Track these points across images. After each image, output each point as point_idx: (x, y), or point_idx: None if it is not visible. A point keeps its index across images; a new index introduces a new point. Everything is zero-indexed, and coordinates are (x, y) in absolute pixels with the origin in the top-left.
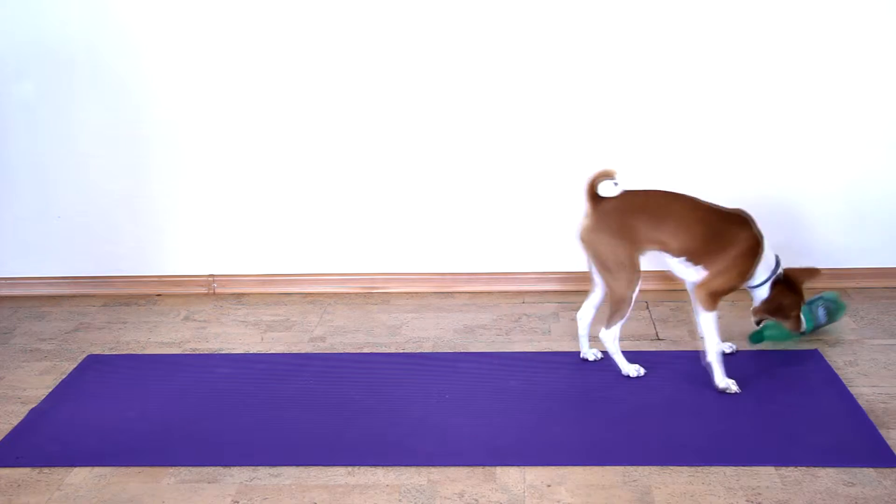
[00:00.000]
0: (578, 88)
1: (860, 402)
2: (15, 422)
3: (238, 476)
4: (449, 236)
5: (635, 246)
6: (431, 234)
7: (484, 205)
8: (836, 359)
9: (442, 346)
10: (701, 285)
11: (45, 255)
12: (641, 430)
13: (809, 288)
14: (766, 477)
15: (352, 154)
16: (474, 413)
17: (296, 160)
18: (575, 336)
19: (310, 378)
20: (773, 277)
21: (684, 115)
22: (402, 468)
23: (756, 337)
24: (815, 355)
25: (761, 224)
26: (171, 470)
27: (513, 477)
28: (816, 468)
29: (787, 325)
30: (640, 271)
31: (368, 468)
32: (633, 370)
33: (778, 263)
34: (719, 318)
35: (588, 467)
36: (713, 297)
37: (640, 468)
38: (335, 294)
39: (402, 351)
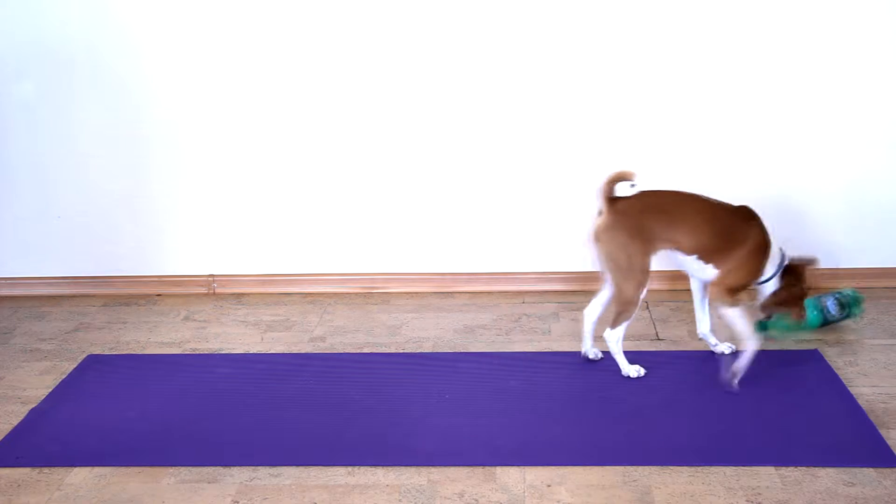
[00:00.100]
0: (578, 89)
1: (860, 402)
2: (15, 422)
3: (238, 476)
4: (449, 236)
5: (649, 246)
6: (431, 234)
7: (484, 205)
8: (836, 359)
9: (442, 346)
10: (715, 283)
11: (45, 255)
12: (641, 430)
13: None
14: (766, 477)
15: (352, 154)
16: (474, 413)
17: (295, 160)
18: (575, 336)
19: (310, 378)
20: (781, 270)
21: (684, 114)
22: (402, 468)
23: (761, 326)
24: (815, 355)
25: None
26: (171, 470)
27: (513, 477)
28: (816, 468)
29: (792, 315)
30: (649, 273)
31: (368, 468)
32: (633, 371)
33: (783, 257)
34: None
35: (588, 467)
36: (730, 293)
37: (640, 468)
38: (335, 294)
39: (402, 351)
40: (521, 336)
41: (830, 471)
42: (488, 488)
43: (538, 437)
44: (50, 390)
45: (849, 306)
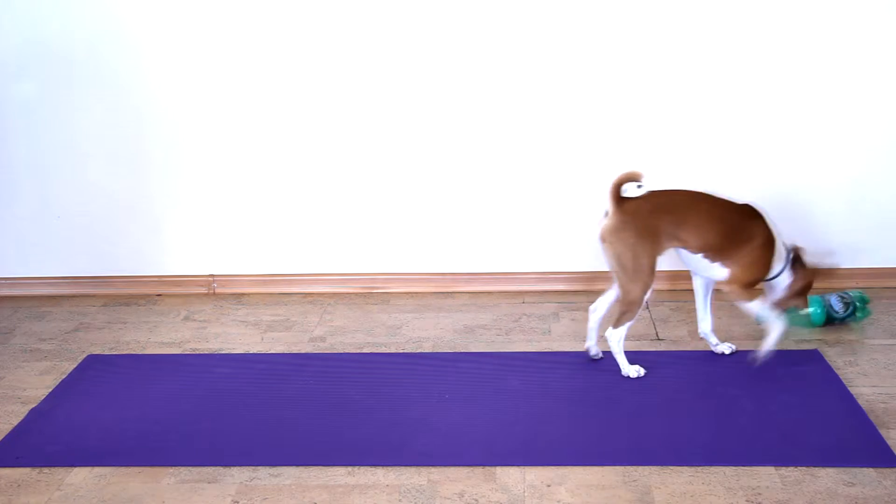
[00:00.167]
0: (578, 89)
1: (860, 402)
2: (15, 422)
3: (238, 476)
4: (449, 236)
5: (657, 247)
6: (431, 234)
7: (484, 205)
8: (836, 359)
9: (442, 346)
10: (730, 283)
11: (45, 255)
12: (641, 430)
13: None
14: (766, 477)
15: (352, 154)
16: (474, 413)
17: (295, 160)
18: (575, 336)
19: (310, 378)
20: (789, 263)
21: (684, 114)
22: (402, 468)
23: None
24: (815, 355)
25: None
26: (171, 470)
27: (513, 477)
28: (816, 468)
29: (799, 303)
30: (655, 274)
31: (368, 468)
32: (633, 371)
33: (789, 250)
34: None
35: (588, 467)
36: (746, 290)
37: (640, 468)
38: (335, 294)
39: (402, 351)
40: (521, 336)
41: (830, 471)
42: (488, 488)
43: (538, 437)
44: (50, 390)
45: (853, 304)
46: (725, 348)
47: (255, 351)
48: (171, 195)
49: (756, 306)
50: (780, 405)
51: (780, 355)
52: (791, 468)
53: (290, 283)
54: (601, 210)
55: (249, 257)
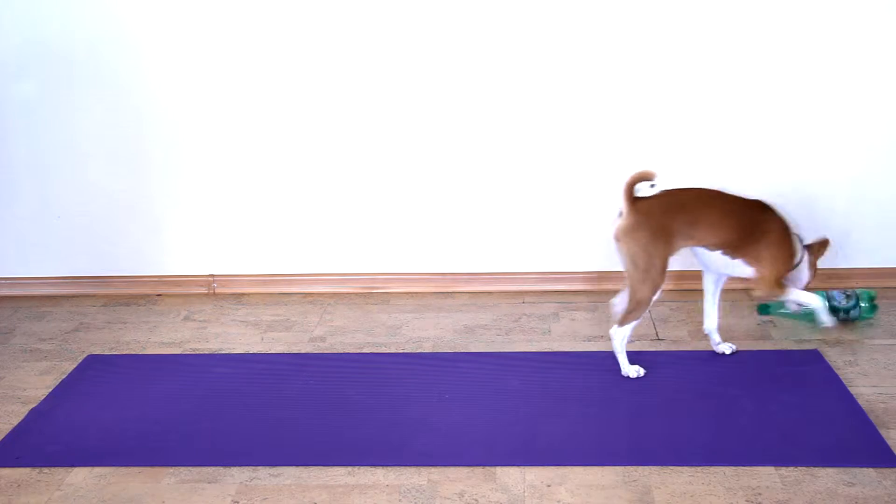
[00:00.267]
0: (578, 89)
1: (860, 402)
2: (15, 422)
3: (238, 476)
4: (449, 236)
5: (670, 247)
6: (431, 234)
7: (484, 205)
8: (836, 359)
9: (442, 346)
10: (759, 281)
11: (45, 255)
12: (641, 430)
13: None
14: (766, 477)
15: (352, 154)
16: (474, 413)
17: (295, 160)
18: (575, 336)
19: (310, 378)
20: (803, 251)
21: (683, 114)
22: (402, 468)
23: (763, 309)
24: (815, 355)
25: None
26: (171, 470)
27: (513, 477)
28: (816, 468)
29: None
30: (666, 274)
31: (368, 468)
32: (633, 371)
33: (799, 238)
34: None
35: (588, 467)
36: (778, 284)
37: (640, 468)
38: (335, 294)
39: (402, 351)
40: (521, 336)
41: (830, 471)
42: (488, 488)
43: (538, 437)
44: (50, 390)
45: (856, 296)
46: (726, 348)
47: (255, 351)
48: (171, 195)
49: (793, 294)
50: (780, 405)
51: (780, 355)
52: (791, 468)
53: (290, 283)
54: (606, 210)
55: (249, 257)
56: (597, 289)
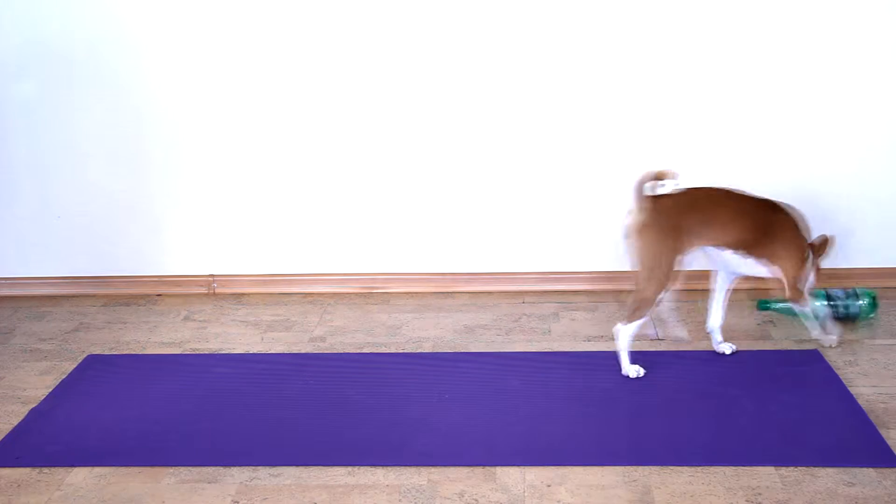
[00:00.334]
0: (578, 89)
1: (860, 402)
2: (15, 422)
3: (238, 476)
4: (449, 236)
5: (680, 247)
6: (431, 234)
7: (484, 205)
8: (836, 359)
9: (442, 346)
10: (786, 285)
11: (45, 255)
12: (641, 430)
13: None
14: (766, 477)
15: (352, 154)
16: (474, 413)
17: (295, 160)
18: (575, 336)
19: (310, 378)
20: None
21: (683, 115)
22: (402, 468)
23: (763, 305)
24: (815, 355)
25: None
26: (171, 470)
27: (513, 477)
28: (816, 468)
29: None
30: (673, 274)
31: (368, 468)
32: (632, 371)
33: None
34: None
35: (588, 467)
36: (796, 289)
37: (640, 468)
38: (335, 294)
39: (402, 351)
40: (521, 336)
41: (830, 471)
42: (488, 488)
43: (538, 437)
44: (50, 390)
45: (855, 292)
46: (727, 348)
47: (255, 351)
48: (171, 195)
49: (808, 307)
50: (780, 405)
51: (780, 355)
52: (791, 468)
53: (290, 283)
54: (606, 210)
55: (249, 257)
56: (597, 289)
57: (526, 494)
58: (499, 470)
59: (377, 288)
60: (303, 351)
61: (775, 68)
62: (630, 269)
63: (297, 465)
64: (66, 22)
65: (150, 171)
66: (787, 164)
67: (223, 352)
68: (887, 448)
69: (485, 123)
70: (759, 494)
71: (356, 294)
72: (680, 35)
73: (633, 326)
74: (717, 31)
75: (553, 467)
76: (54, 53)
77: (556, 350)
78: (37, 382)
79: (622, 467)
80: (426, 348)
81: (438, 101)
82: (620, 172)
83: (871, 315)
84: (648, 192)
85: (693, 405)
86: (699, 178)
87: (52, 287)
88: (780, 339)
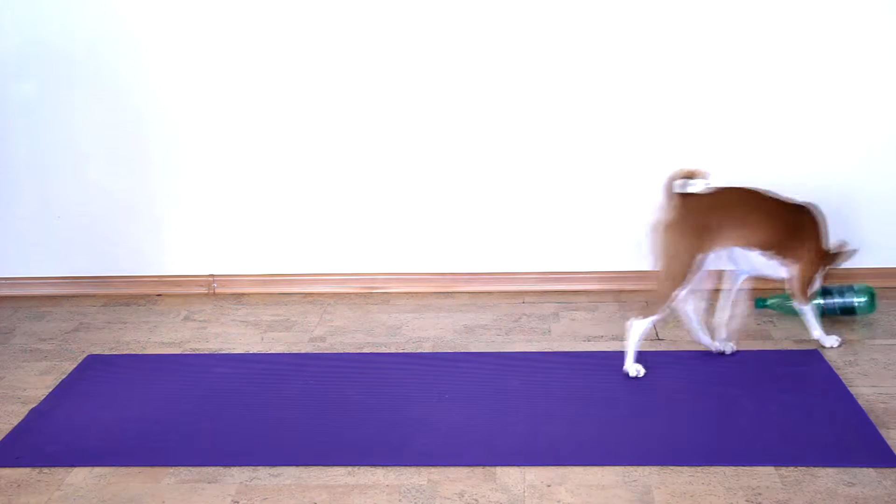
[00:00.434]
0: (578, 89)
1: (860, 402)
2: (15, 422)
3: (238, 476)
4: (449, 236)
5: (704, 246)
6: (431, 234)
7: (484, 205)
8: (836, 359)
9: (442, 346)
10: (795, 280)
11: (45, 255)
12: (641, 430)
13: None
14: (766, 477)
15: (351, 154)
16: (474, 413)
17: (295, 160)
18: (575, 336)
19: (310, 378)
20: None
21: (683, 115)
22: (402, 468)
23: (760, 303)
24: (815, 355)
25: None
26: (171, 470)
27: (513, 477)
28: (816, 468)
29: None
30: (692, 274)
31: (368, 468)
32: (633, 369)
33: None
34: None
35: (588, 467)
36: (805, 291)
37: (640, 468)
38: (335, 294)
39: (402, 351)
40: (521, 336)
41: (830, 471)
42: (488, 488)
43: (538, 437)
44: (50, 390)
45: (852, 290)
46: (727, 347)
47: (255, 351)
48: (171, 195)
49: (811, 307)
50: (780, 405)
51: (780, 355)
52: (791, 468)
53: (290, 283)
54: (606, 210)
55: (249, 257)
56: (597, 289)
57: (526, 494)
58: (499, 470)
59: (377, 288)
60: (303, 351)
61: (775, 68)
62: (629, 269)
63: (297, 465)
64: (66, 22)
65: (150, 171)
66: (787, 165)
67: (223, 352)
68: (887, 448)
69: (485, 123)
70: (759, 494)
71: (356, 294)
72: (680, 35)
73: (647, 323)
74: (718, 31)
75: (553, 467)
76: (54, 53)
77: (556, 350)
78: (37, 382)
79: (622, 467)
80: (426, 348)
81: (438, 102)
82: (620, 172)
83: (871, 311)
84: (678, 190)
85: (693, 405)
86: (698, 178)
87: (52, 287)
88: (780, 339)
